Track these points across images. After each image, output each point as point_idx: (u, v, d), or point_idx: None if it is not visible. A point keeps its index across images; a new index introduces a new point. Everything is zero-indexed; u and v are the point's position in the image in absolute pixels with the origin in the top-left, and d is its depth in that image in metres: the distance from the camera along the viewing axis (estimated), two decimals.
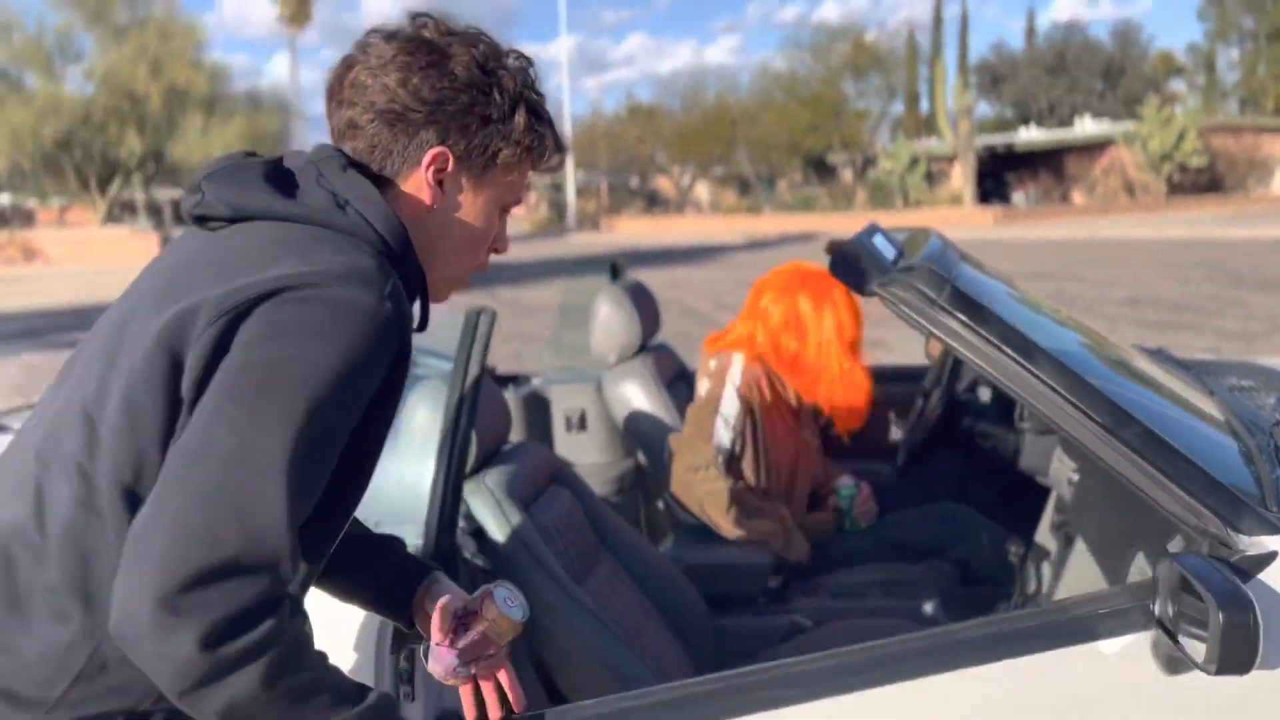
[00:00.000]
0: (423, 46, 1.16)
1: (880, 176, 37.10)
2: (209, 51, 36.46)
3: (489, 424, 2.15)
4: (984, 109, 53.51)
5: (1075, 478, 2.40)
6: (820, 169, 44.63)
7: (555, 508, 2.24)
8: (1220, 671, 1.33)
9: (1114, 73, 56.77)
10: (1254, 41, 53.99)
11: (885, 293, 1.69)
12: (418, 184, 1.19)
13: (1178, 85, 58.38)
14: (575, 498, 2.36)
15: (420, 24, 1.19)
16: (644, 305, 3.18)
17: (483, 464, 2.13)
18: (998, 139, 42.51)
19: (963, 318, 1.66)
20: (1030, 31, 61.83)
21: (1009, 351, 1.63)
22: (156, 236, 28.77)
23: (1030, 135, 43.45)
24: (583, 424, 3.42)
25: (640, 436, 2.97)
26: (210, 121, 34.22)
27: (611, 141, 49.15)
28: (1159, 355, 2.84)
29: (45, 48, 34.31)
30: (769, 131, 40.80)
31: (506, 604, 1.27)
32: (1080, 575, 2.21)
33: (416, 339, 1.19)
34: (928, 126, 47.53)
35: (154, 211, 41.14)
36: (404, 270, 1.15)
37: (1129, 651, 1.49)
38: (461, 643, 1.24)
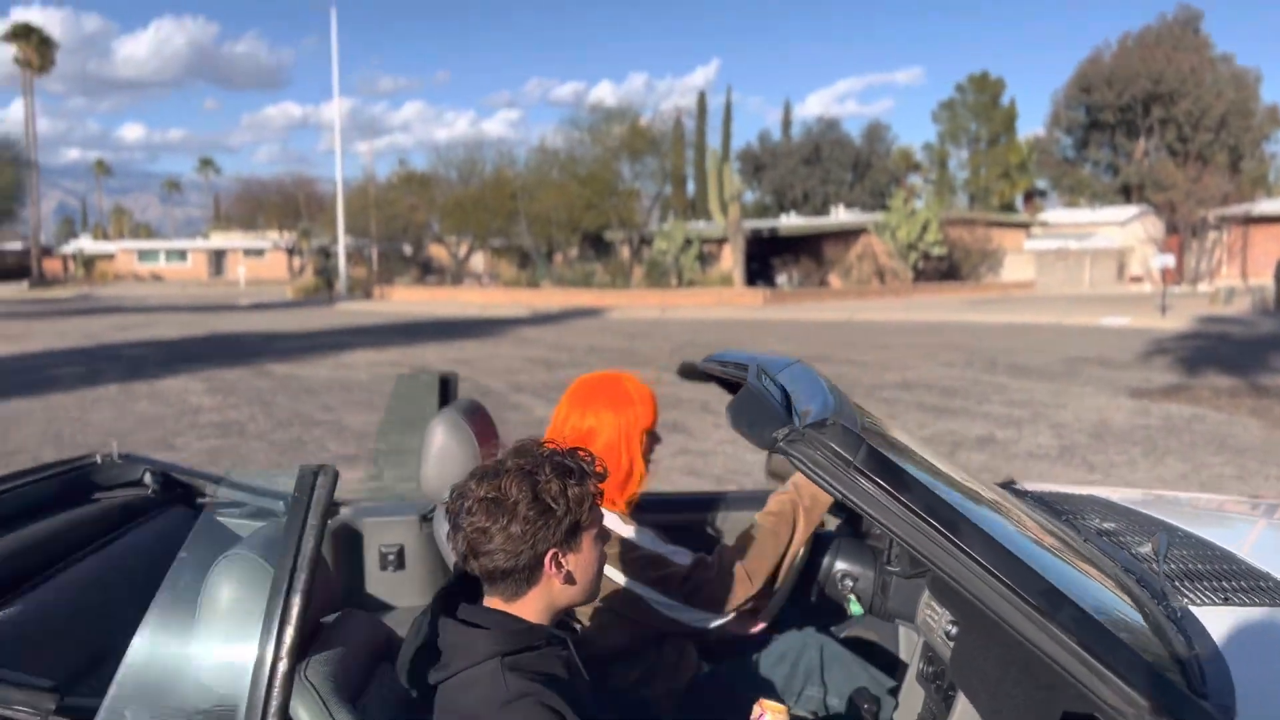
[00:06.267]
0: (493, 508, 1.60)
1: (656, 255, 38.19)
2: None
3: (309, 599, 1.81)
4: (747, 194, 56.61)
5: (953, 630, 2.27)
6: (597, 244, 45.48)
7: (388, 697, 1.87)
8: None
9: (861, 165, 61.78)
10: (979, 144, 60.42)
11: (793, 451, 1.55)
12: (552, 577, 1.66)
13: (915, 180, 64.28)
14: None
15: (480, 480, 1.63)
16: (483, 431, 2.80)
17: (301, 649, 1.75)
18: (763, 224, 44.97)
19: (882, 484, 1.51)
20: (786, 124, 66.29)
21: (933, 523, 1.49)
22: None
23: (792, 221, 46.29)
24: (400, 562, 3.04)
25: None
26: None
27: (384, 208, 48.08)
28: (1016, 492, 2.77)
29: None
30: (549, 206, 41.22)
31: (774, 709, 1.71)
32: None
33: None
34: (693, 208, 49.63)
35: None
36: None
37: None
38: None
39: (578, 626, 2.35)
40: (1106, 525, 2.43)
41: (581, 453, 1.71)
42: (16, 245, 63.52)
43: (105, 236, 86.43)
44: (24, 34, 58.76)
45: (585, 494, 1.64)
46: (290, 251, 59.92)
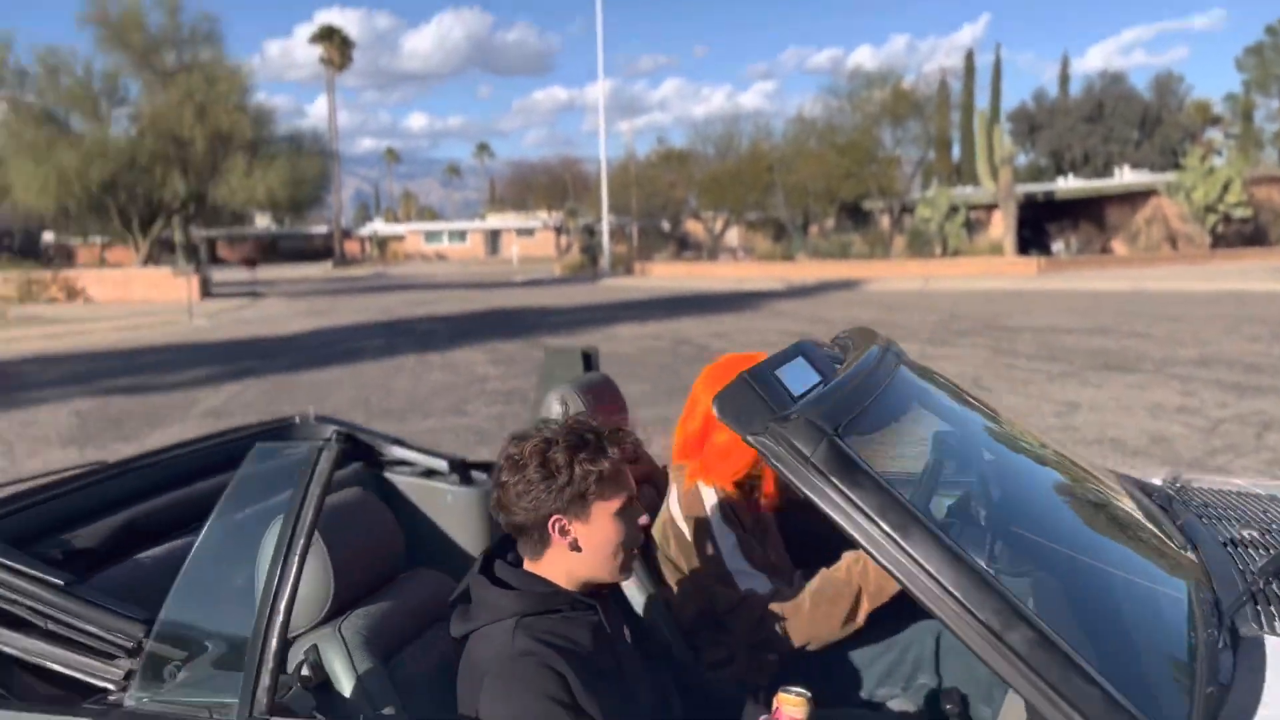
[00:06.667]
0: (513, 466, 1.75)
1: (918, 224, 36.89)
2: (253, 95, 36.82)
3: (364, 559, 1.95)
4: (1019, 157, 53.34)
5: None
6: (855, 214, 44.54)
7: (429, 653, 1.95)
8: None
9: (1150, 122, 56.52)
10: None
11: (756, 443, 1.55)
12: (559, 543, 1.76)
13: (1214, 135, 58.04)
14: None
15: (515, 440, 1.79)
16: (602, 403, 2.80)
17: (350, 604, 1.90)
18: (1038, 188, 42.28)
19: (835, 481, 1.48)
20: (1064, 79, 61.73)
21: (883, 525, 1.44)
22: (196, 278, 28.94)
23: (1070, 184, 43.19)
24: None
25: None
26: (253, 164, 34.65)
27: (644, 185, 49.34)
28: (1160, 493, 2.52)
29: (93, 91, 34.89)
30: (805, 178, 40.78)
31: (790, 702, 1.64)
32: None
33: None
34: (959, 174, 47.39)
35: (191, 251, 41.54)
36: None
37: None
38: None
39: (670, 598, 2.40)
40: (1245, 534, 2.17)
41: (616, 433, 1.80)
42: (322, 229, 70.68)
43: (395, 219, 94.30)
44: (327, 35, 64.97)
45: (597, 470, 1.72)
46: (558, 230, 62.91)
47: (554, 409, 2.64)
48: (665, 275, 38.48)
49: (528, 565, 1.80)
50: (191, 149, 33.94)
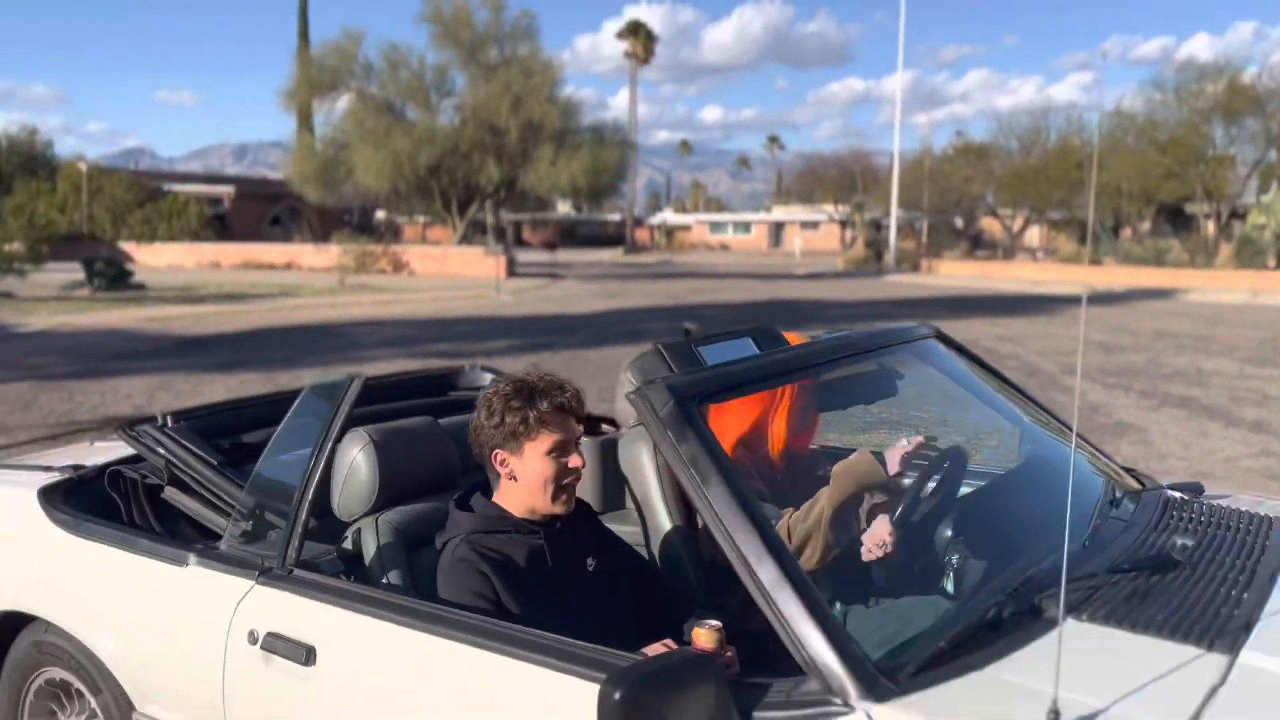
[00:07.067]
0: (477, 407, 2.20)
1: (1250, 232, 33.21)
2: (562, 87, 39.25)
3: (413, 470, 2.40)
4: None
5: None
6: (1175, 218, 40.77)
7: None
8: None
9: None
10: None
11: (631, 400, 1.88)
12: (504, 473, 2.15)
13: None
14: None
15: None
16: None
17: (395, 502, 2.33)
18: None
19: (669, 435, 1.81)
20: None
21: (692, 471, 1.77)
22: (503, 258, 31.33)
23: None
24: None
25: (637, 500, 2.76)
26: (559, 153, 36.94)
27: (938, 180, 47.64)
28: (1150, 494, 2.47)
29: (425, 84, 38.57)
30: (1119, 176, 37.80)
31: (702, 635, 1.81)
32: None
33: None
34: None
35: (500, 233, 44.88)
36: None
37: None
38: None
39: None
40: (1180, 542, 2.12)
41: (554, 386, 2.13)
42: (615, 216, 73.94)
43: (684, 209, 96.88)
44: (633, 31, 67.73)
45: (522, 414, 2.09)
46: (843, 224, 62.16)
47: (625, 375, 2.90)
48: (953, 274, 37.08)
49: (494, 497, 2.19)
50: (506, 138, 36.71)
